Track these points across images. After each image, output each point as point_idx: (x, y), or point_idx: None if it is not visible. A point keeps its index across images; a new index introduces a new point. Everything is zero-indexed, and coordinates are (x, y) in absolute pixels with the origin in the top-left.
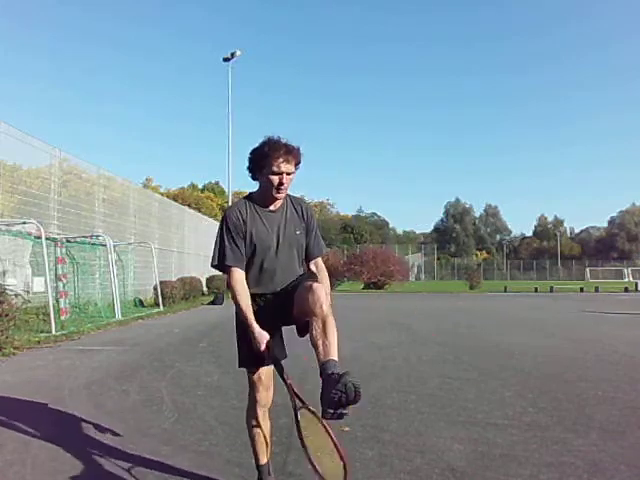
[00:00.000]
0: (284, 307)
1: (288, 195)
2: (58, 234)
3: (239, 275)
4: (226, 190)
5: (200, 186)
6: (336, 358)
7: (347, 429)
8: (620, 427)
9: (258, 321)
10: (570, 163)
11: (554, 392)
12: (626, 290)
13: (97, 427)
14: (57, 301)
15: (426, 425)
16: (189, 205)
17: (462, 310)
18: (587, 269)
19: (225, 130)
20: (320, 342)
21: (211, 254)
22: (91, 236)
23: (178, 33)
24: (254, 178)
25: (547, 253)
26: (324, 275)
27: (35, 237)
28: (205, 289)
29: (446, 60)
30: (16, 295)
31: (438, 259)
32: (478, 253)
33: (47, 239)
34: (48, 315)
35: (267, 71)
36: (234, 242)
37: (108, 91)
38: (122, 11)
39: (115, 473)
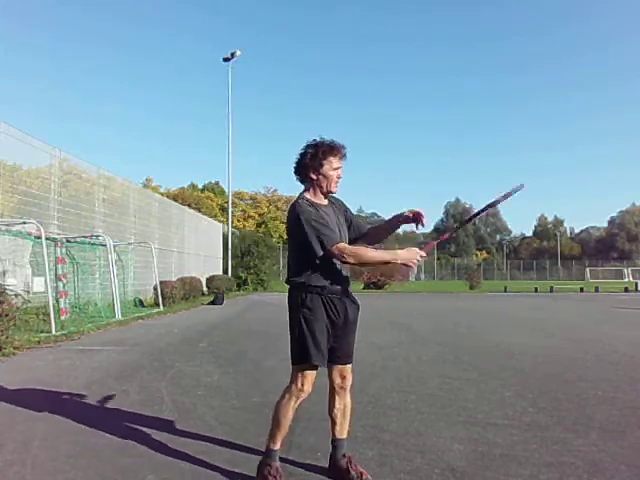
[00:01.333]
0: (337, 342)
1: None
2: (58, 234)
3: (343, 244)
4: (226, 190)
5: (200, 186)
6: (345, 435)
7: None
8: (620, 427)
9: (316, 321)
10: (570, 163)
11: (554, 392)
12: (626, 290)
13: (97, 427)
14: (57, 301)
15: (426, 425)
16: (189, 205)
17: (462, 310)
18: (587, 269)
19: (225, 130)
20: (338, 421)
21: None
22: (91, 236)
23: (178, 33)
24: (304, 180)
25: (547, 253)
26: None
27: (35, 237)
28: (205, 289)
29: (446, 60)
30: (16, 295)
31: (438, 259)
32: (478, 253)
33: (47, 239)
34: (48, 315)
35: (267, 71)
36: (323, 225)
37: (108, 91)
38: (122, 11)
39: (115, 473)
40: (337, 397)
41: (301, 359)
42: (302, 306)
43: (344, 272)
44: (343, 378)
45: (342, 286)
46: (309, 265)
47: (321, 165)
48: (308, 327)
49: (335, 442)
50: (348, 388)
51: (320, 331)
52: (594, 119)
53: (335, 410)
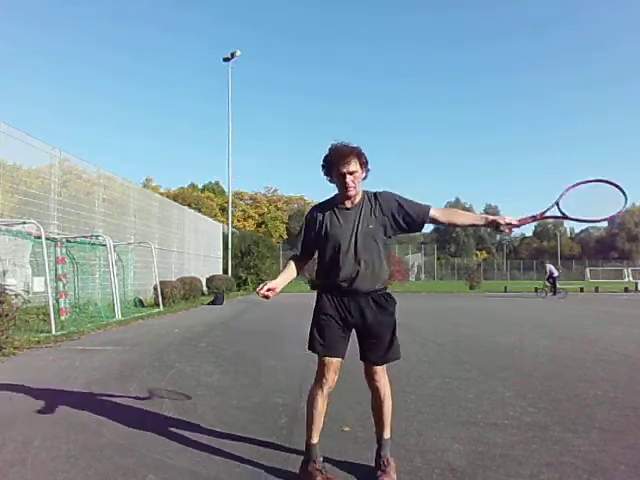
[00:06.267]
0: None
1: (365, 192)
2: (58, 234)
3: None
4: (226, 190)
5: (200, 186)
6: (383, 435)
7: (347, 429)
8: (620, 427)
9: (322, 314)
10: (570, 163)
11: (554, 392)
12: (626, 290)
13: (97, 427)
14: (57, 301)
15: (426, 425)
16: (189, 205)
17: (462, 310)
18: (587, 269)
19: (225, 130)
20: (375, 416)
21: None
22: (91, 236)
23: (178, 33)
24: (331, 181)
25: (547, 253)
26: (453, 211)
27: (35, 237)
28: (205, 289)
29: (446, 60)
30: (16, 295)
31: (438, 259)
32: (478, 253)
33: (47, 239)
34: (48, 315)
35: (267, 71)
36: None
37: (108, 91)
38: (122, 11)
39: (115, 473)
40: (372, 393)
41: (308, 346)
42: (316, 302)
43: (349, 272)
44: (371, 377)
45: (348, 285)
46: (320, 266)
47: (331, 170)
48: (314, 320)
49: (378, 440)
50: (380, 388)
51: (326, 324)
52: (594, 119)
53: (372, 407)
